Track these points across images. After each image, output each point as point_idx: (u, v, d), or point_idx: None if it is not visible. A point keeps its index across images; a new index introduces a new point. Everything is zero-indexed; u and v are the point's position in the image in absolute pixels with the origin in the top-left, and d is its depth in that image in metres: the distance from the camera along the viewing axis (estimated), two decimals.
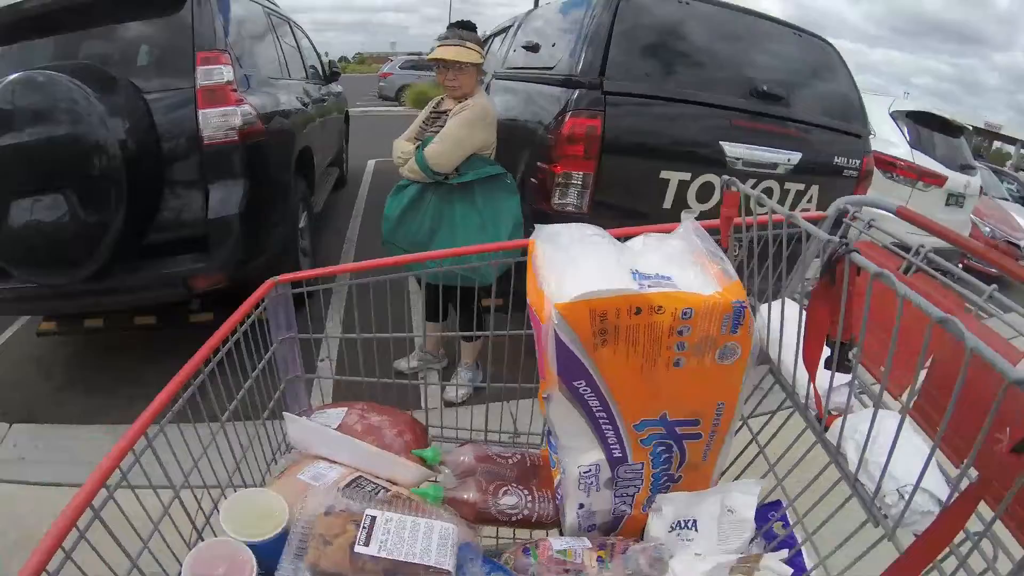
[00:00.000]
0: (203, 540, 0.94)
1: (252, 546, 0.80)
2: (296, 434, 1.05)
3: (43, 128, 2.27)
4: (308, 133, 4.06)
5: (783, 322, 0.98)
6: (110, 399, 2.81)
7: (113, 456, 0.77)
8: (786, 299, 1.05)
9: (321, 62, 6.06)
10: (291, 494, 0.90)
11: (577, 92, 2.74)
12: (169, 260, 2.70)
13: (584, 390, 0.83)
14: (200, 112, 2.57)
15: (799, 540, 0.97)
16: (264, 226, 2.95)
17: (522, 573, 0.88)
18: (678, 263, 0.88)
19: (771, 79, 3.03)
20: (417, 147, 2.50)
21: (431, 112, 2.71)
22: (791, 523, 1.01)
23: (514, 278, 1.34)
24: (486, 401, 1.55)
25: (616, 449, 0.90)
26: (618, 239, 0.99)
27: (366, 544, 0.75)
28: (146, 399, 2.66)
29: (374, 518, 0.79)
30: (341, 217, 5.93)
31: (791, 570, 0.84)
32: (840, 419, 0.82)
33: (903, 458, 0.71)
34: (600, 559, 0.91)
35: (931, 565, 0.67)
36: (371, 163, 8.61)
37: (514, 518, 1.02)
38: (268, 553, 0.80)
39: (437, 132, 2.50)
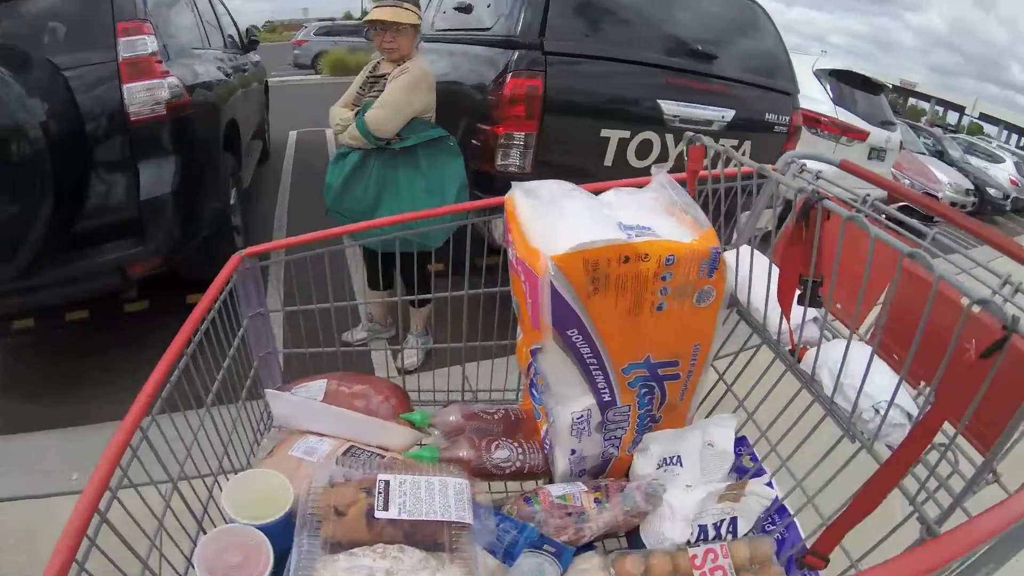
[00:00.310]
0: (205, 531, 0.93)
1: (261, 529, 0.79)
2: (282, 410, 1.04)
3: None
4: (233, 105, 3.87)
5: (752, 267, 1.05)
6: (54, 403, 2.64)
7: (111, 455, 0.75)
8: (748, 246, 1.11)
9: (238, 30, 5.78)
10: (286, 472, 0.90)
11: (517, 53, 2.73)
12: (102, 248, 2.52)
13: (577, 338, 0.87)
14: (125, 87, 2.39)
15: (768, 472, 1.05)
16: (198, 204, 2.81)
17: (529, 520, 0.91)
18: (655, 214, 0.93)
19: (704, 39, 3.10)
20: (356, 113, 2.43)
21: (368, 76, 2.62)
22: (759, 457, 1.09)
23: (452, 244, 1.37)
24: (446, 365, 1.56)
25: (606, 393, 0.94)
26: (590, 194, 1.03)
27: (385, 508, 0.76)
28: (95, 398, 2.55)
29: (387, 482, 0.80)
30: (268, 192, 5.72)
31: (775, 492, 0.91)
32: (810, 351, 0.89)
33: (875, 379, 0.77)
34: (598, 500, 0.96)
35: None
36: (293, 134, 8.31)
37: (507, 471, 1.05)
38: (276, 534, 0.80)
39: (376, 97, 2.43)
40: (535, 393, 1.10)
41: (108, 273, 2.57)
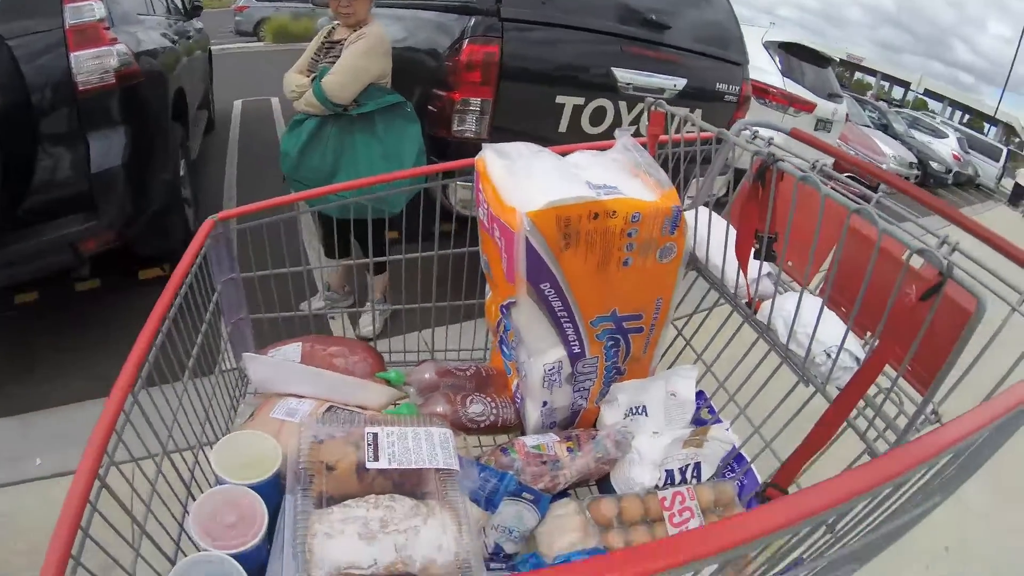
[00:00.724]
0: (195, 499, 0.94)
1: (252, 488, 0.80)
2: (260, 374, 1.06)
3: None
4: (179, 74, 3.75)
5: (710, 227, 1.10)
6: (8, 389, 2.52)
7: (99, 437, 0.74)
8: (705, 207, 1.17)
9: None
10: (269, 434, 0.91)
11: (474, 19, 2.72)
12: (52, 225, 2.42)
13: (549, 292, 0.92)
14: (72, 55, 2.29)
15: (727, 421, 1.12)
16: (149, 176, 2.73)
17: (507, 469, 0.96)
18: (620, 174, 0.98)
19: (658, 9, 3.15)
20: (313, 79, 2.42)
21: (323, 42, 2.60)
22: (717, 409, 1.16)
23: (406, 213, 1.38)
24: (414, 329, 1.59)
25: (576, 345, 0.99)
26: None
27: (375, 459, 0.80)
28: (51, 381, 2.49)
29: (375, 434, 0.83)
30: (216, 162, 5.57)
31: (736, 436, 0.98)
32: (765, 304, 0.95)
33: (825, 328, 0.84)
34: (570, 449, 1.01)
35: (856, 413, 0.81)
36: (238, 103, 8.09)
37: (482, 425, 1.10)
38: (266, 493, 0.81)
39: (332, 63, 2.43)
40: (505, 349, 1.14)
41: (60, 251, 2.47)
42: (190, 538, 0.78)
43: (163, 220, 3.02)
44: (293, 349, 1.13)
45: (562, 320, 0.96)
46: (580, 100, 2.95)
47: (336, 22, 2.60)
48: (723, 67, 3.44)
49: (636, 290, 0.98)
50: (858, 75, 37.65)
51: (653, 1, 3.14)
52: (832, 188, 1.02)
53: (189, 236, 3.06)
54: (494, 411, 1.11)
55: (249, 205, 1.16)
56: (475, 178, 1.06)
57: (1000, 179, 14.72)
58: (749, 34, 5.50)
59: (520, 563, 0.94)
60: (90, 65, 2.36)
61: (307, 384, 1.02)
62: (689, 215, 1.19)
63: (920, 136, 12.89)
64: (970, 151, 14.28)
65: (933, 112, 23.99)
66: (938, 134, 13.60)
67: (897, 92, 35.28)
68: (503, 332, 1.12)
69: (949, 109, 32.45)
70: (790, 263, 1.09)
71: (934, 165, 11.64)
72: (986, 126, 28.92)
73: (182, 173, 3.46)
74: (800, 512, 0.50)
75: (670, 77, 3.14)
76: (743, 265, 0.96)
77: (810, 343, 0.85)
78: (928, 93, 34.55)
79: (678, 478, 1.05)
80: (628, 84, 3.02)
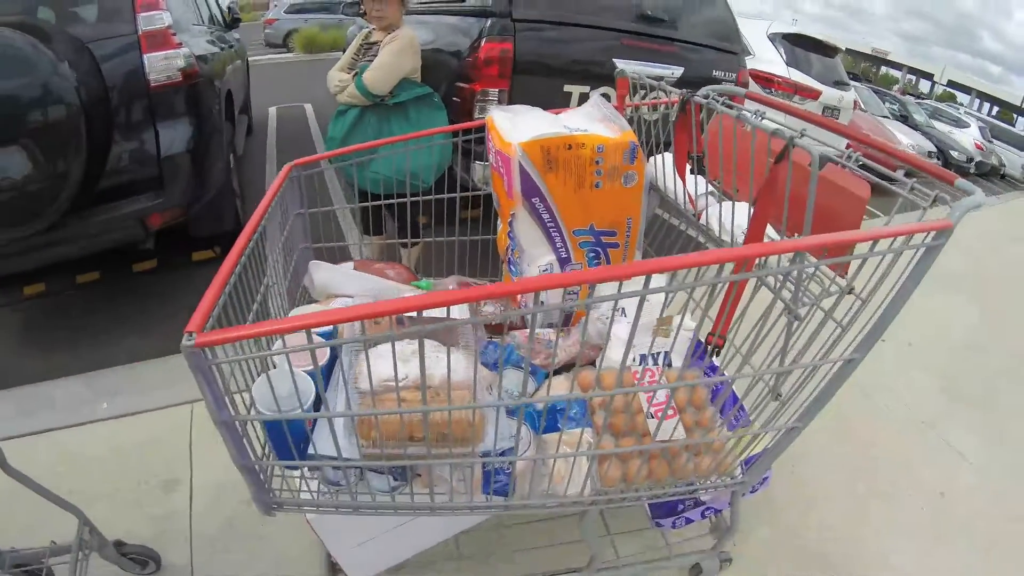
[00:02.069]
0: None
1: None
2: (322, 277, 1.39)
3: None
4: (227, 78, 4.18)
5: (665, 164, 1.42)
6: (73, 353, 2.92)
7: (211, 296, 0.90)
8: (668, 153, 1.49)
9: (220, 9, 6.01)
10: None
11: (490, 21, 3.13)
12: (124, 202, 2.85)
13: (539, 205, 1.24)
14: (145, 56, 2.72)
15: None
16: (209, 163, 3.15)
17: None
18: (590, 120, 1.30)
19: (655, 4, 3.49)
20: (355, 75, 2.79)
21: (362, 44, 2.98)
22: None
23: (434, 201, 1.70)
24: None
25: (563, 251, 1.31)
26: None
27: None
28: (110, 344, 2.91)
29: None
30: (256, 162, 6.03)
31: (693, 323, 1.28)
32: (703, 213, 1.26)
33: (742, 220, 1.15)
34: (559, 335, 1.33)
35: (780, 286, 1.11)
36: (272, 110, 8.55)
37: (492, 323, 1.42)
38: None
39: (370, 62, 2.81)
40: (512, 268, 1.46)
41: (130, 224, 2.89)
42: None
43: (218, 205, 3.42)
44: (348, 264, 1.46)
45: (551, 229, 1.28)
46: (586, 88, 3.30)
47: (372, 27, 2.97)
48: (720, 56, 3.75)
49: (608, 209, 1.30)
50: (884, 69, 37.27)
51: None
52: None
53: (239, 222, 3.46)
54: (502, 312, 1.42)
55: (317, 155, 1.49)
56: (486, 131, 1.39)
57: None
58: (754, 27, 5.80)
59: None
60: (160, 65, 2.76)
61: (358, 285, 1.35)
62: (658, 158, 1.52)
63: (941, 126, 12.89)
64: (994, 141, 14.20)
65: (960, 104, 23.78)
66: (960, 124, 13.58)
67: (925, 86, 34.78)
68: (510, 253, 1.44)
69: (977, 101, 31.86)
70: (717, 182, 1.40)
71: (954, 154, 11.64)
72: (1016, 117, 28.44)
73: (231, 166, 3.86)
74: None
75: (668, 66, 3.46)
76: (680, 174, 1.28)
77: (732, 230, 1.16)
78: (952, 84, 33.95)
79: (650, 362, 1.34)
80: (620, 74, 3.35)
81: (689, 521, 1.67)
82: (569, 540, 1.76)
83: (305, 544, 1.86)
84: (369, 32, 3.00)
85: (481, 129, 1.48)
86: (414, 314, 1.12)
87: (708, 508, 1.66)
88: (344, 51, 3.08)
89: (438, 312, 1.14)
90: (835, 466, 2.34)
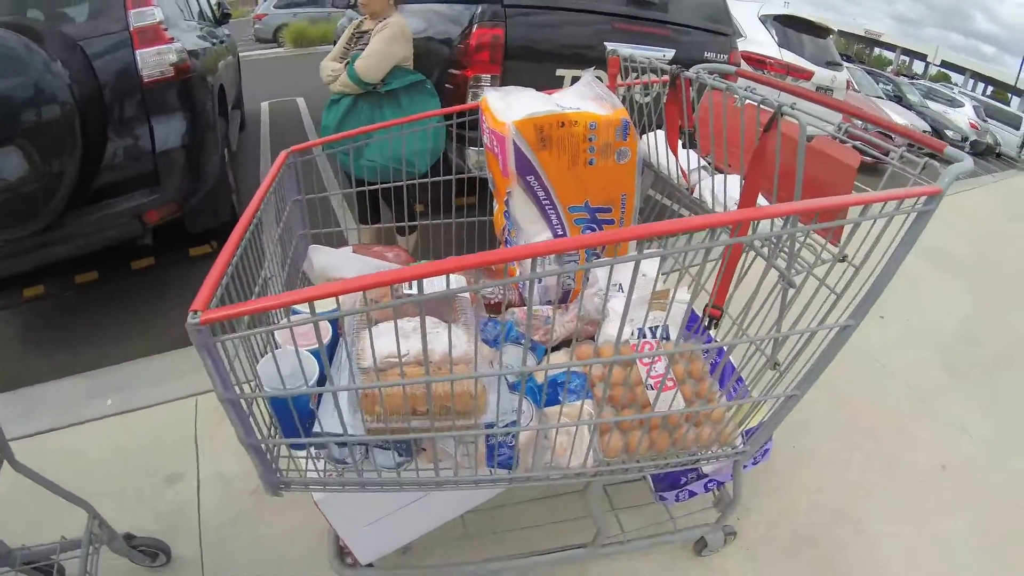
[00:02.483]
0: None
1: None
2: (322, 261, 1.40)
3: None
4: (219, 73, 4.18)
5: (658, 141, 1.43)
6: (75, 352, 2.95)
7: (214, 276, 0.91)
8: (660, 131, 1.50)
9: (210, 5, 5.99)
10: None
11: (481, 7, 3.13)
12: (120, 199, 2.86)
13: (534, 183, 1.25)
14: (137, 52, 2.71)
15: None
16: (204, 158, 3.15)
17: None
18: (583, 99, 1.32)
19: None
20: (347, 64, 2.81)
21: (353, 33, 2.99)
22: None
23: (431, 186, 1.72)
24: None
25: (559, 228, 1.33)
26: None
27: (409, 287, 1.14)
28: (112, 342, 2.92)
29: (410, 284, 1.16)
30: (250, 156, 6.03)
31: (689, 296, 1.30)
32: (697, 187, 1.28)
33: (733, 192, 1.16)
34: (557, 312, 1.34)
35: (774, 254, 1.13)
36: (264, 105, 8.54)
37: (491, 302, 1.43)
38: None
39: (362, 50, 2.79)
40: (509, 241, 1.47)
41: (128, 221, 2.89)
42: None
43: (214, 199, 3.42)
44: (347, 248, 1.48)
45: (546, 207, 1.29)
46: (578, 72, 3.29)
47: (363, 16, 2.99)
48: (711, 38, 3.76)
49: (603, 186, 1.31)
50: (877, 51, 37.21)
51: None
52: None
53: (235, 216, 3.44)
54: (501, 292, 1.44)
55: (313, 142, 1.50)
56: (479, 113, 1.40)
57: (1022, 148, 14.59)
58: (745, 9, 5.79)
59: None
60: (152, 60, 2.76)
61: (357, 268, 1.37)
62: (651, 136, 1.53)
63: (935, 106, 12.90)
64: (988, 120, 14.21)
65: (954, 84, 23.76)
66: (954, 103, 13.58)
67: (918, 67, 34.76)
68: (507, 234, 1.45)
69: (971, 81, 31.85)
70: (709, 158, 1.41)
71: (949, 133, 11.66)
72: (1011, 97, 28.45)
73: (227, 161, 3.86)
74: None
75: (659, 48, 3.47)
76: (672, 148, 1.29)
77: (725, 201, 1.18)
78: (946, 65, 33.94)
79: (648, 336, 1.36)
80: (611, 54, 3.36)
81: (692, 494, 1.69)
82: (574, 517, 1.79)
83: (313, 532, 1.88)
84: (360, 21, 3.02)
85: (473, 113, 1.49)
86: (414, 290, 1.14)
87: (711, 480, 1.68)
88: (335, 42, 3.09)
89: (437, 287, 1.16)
90: (836, 441, 2.36)
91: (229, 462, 2.15)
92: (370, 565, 1.58)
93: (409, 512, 1.43)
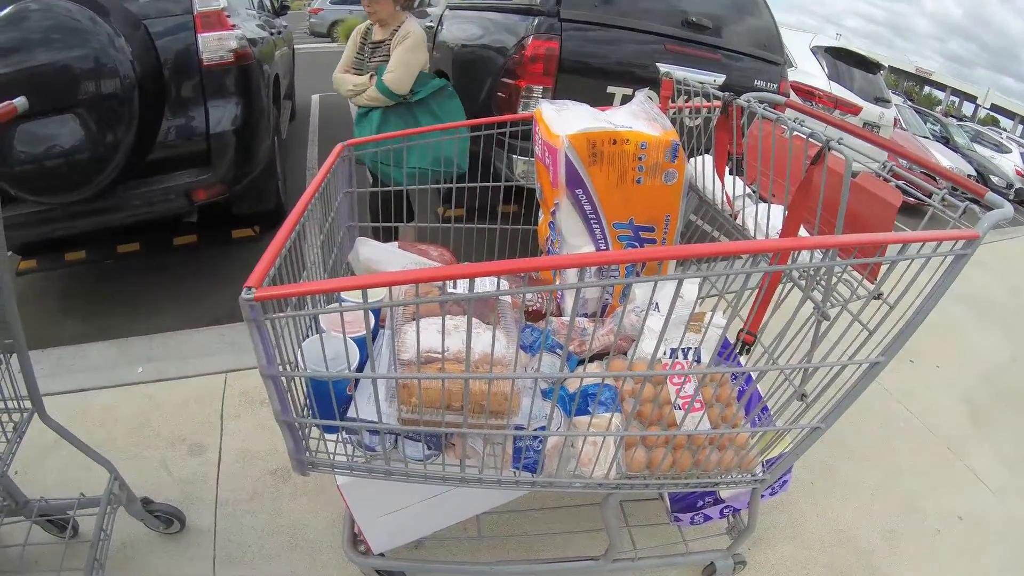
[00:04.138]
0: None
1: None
2: (368, 254, 1.45)
3: (54, 51, 2.44)
4: (275, 63, 4.28)
5: (706, 167, 1.45)
6: (109, 319, 3.04)
7: (270, 255, 0.93)
8: (708, 155, 1.52)
9: None
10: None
11: (537, 19, 3.19)
12: (171, 175, 2.96)
13: (582, 197, 1.28)
14: (199, 36, 2.81)
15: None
16: (255, 143, 3.23)
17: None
18: (636, 118, 1.34)
19: (700, 12, 3.52)
20: (372, 76, 2.83)
21: (365, 43, 2.98)
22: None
23: (468, 192, 1.75)
24: None
25: (602, 243, 1.35)
26: None
27: (454, 286, 1.17)
28: (147, 313, 3.02)
29: (455, 283, 1.20)
30: (299, 146, 6.16)
31: (724, 320, 1.31)
32: (740, 213, 1.29)
33: (776, 221, 1.18)
34: (594, 325, 1.36)
35: (810, 286, 1.14)
36: (315, 97, 8.72)
37: (529, 308, 1.46)
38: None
39: (381, 62, 2.83)
40: (551, 251, 1.50)
41: (176, 197, 2.98)
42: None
43: (261, 184, 3.51)
44: (392, 244, 1.52)
45: (592, 221, 1.32)
46: (628, 91, 3.33)
47: (367, 24, 2.99)
48: (762, 66, 3.75)
49: (648, 205, 1.34)
50: (927, 89, 36.62)
51: (697, 5, 3.49)
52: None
53: (280, 203, 3.52)
54: (540, 300, 1.47)
55: (367, 137, 1.55)
56: (533, 123, 1.43)
57: None
58: (797, 39, 5.77)
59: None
60: (214, 45, 2.85)
61: (402, 263, 1.41)
62: (698, 160, 1.55)
63: (982, 150, 12.67)
64: None
65: (1003, 129, 23.25)
66: (1002, 149, 13.32)
67: (968, 108, 34.09)
68: (550, 244, 1.48)
69: (1021, 127, 31.13)
70: (754, 187, 1.43)
71: (994, 179, 11.44)
72: None
73: (276, 148, 3.95)
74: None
75: (710, 73, 3.47)
76: (719, 173, 1.31)
77: (767, 228, 1.19)
78: (995, 108, 33.20)
79: (680, 356, 1.38)
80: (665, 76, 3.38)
81: (707, 518, 1.70)
82: (587, 529, 1.80)
83: (328, 515, 1.92)
84: (368, 29, 3.01)
85: (521, 123, 1.53)
86: (459, 289, 1.17)
87: (727, 506, 1.68)
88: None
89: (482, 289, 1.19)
90: (855, 480, 2.34)
91: (253, 440, 2.20)
92: (382, 555, 1.61)
93: (428, 507, 1.45)
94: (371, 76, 2.85)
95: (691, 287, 1.44)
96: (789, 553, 2.00)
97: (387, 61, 2.81)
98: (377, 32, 2.93)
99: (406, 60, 2.76)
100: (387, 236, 1.86)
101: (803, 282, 1.16)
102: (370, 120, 2.92)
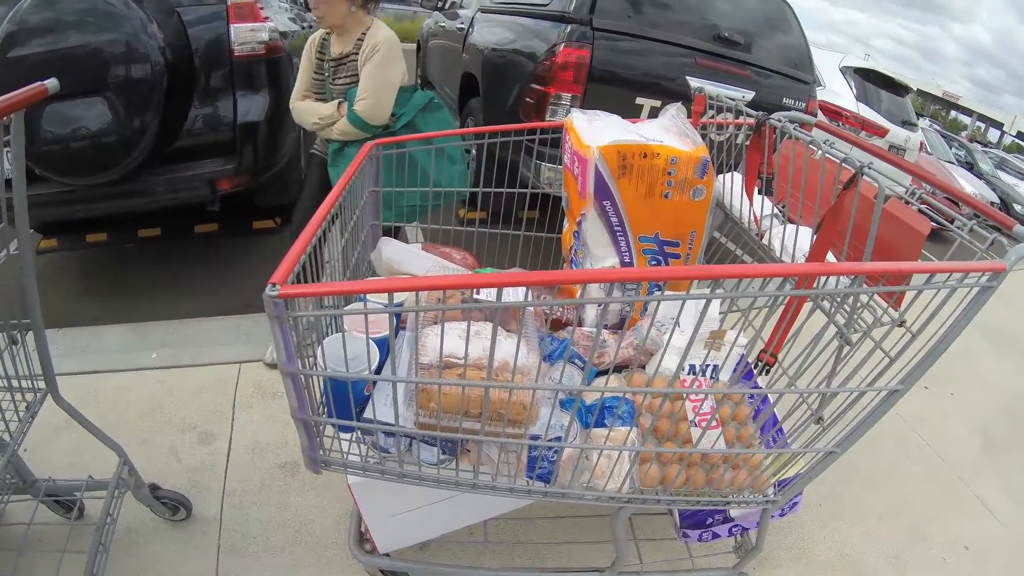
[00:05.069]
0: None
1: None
2: (391, 254, 1.45)
3: (87, 34, 2.46)
4: None
5: (734, 184, 1.44)
6: (127, 302, 3.06)
7: (295, 252, 0.92)
8: (737, 173, 1.51)
9: None
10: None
11: (570, 27, 3.19)
12: (196, 163, 2.97)
13: (609, 208, 1.28)
14: (232, 26, 2.83)
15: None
16: (281, 135, 3.24)
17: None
18: (667, 132, 1.34)
19: (732, 27, 3.52)
20: (341, 104, 2.31)
21: (324, 59, 2.40)
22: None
23: (494, 196, 1.73)
24: None
25: (627, 255, 1.35)
26: None
27: (478, 292, 1.17)
28: (164, 299, 3.04)
29: (478, 290, 1.20)
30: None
31: (746, 340, 1.31)
32: (767, 233, 1.29)
33: (803, 243, 1.17)
34: (615, 337, 1.36)
35: (835, 310, 1.13)
36: None
37: (547, 317, 1.45)
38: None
39: (348, 83, 2.30)
40: (574, 267, 1.50)
41: (201, 185, 2.99)
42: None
43: (285, 177, 3.52)
44: (415, 245, 1.52)
45: (617, 233, 1.31)
46: (657, 103, 3.33)
47: (321, 33, 2.43)
48: (791, 84, 3.73)
49: (675, 220, 1.33)
50: (953, 114, 36.28)
51: (730, 21, 3.49)
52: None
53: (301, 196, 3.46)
54: (559, 310, 1.46)
55: (395, 137, 1.55)
56: (563, 131, 1.43)
57: None
58: (827, 58, 5.74)
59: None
60: (245, 36, 2.86)
61: (424, 264, 1.41)
62: (726, 177, 1.54)
63: (1007, 177, 12.50)
64: None
65: None
66: None
67: (994, 135, 33.69)
68: (573, 254, 1.48)
69: None
70: (784, 205, 1.42)
71: (1017, 208, 11.27)
72: None
73: (301, 141, 3.97)
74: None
75: (740, 89, 3.46)
76: (749, 193, 1.31)
77: (793, 250, 1.19)
78: (1022, 136, 32.82)
79: (698, 372, 1.37)
80: (700, 92, 3.37)
81: (716, 536, 1.68)
82: (593, 540, 1.79)
83: (335, 512, 1.93)
84: (325, 39, 2.42)
85: (548, 131, 1.53)
86: (483, 295, 1.17)
87: (736, 525, 1.67)
88: (318, 64, 2.45)
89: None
90: (864, 505, 2.32)
91: (263, 432, 2.21)
92: (387, 555, 1.61)
93: (437, 510, 1.45)
94: (339, 104, 2.31)
95: (714, 304, 1.43)
96: (795, 575, 1.98)
97: (355, 82, 2.27)
98: (336, 43, 2.36)
99: (380, 82, 2.21)
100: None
101: (827, 305, 1.15)
102: (348, 157, 2.33)
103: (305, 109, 2.40)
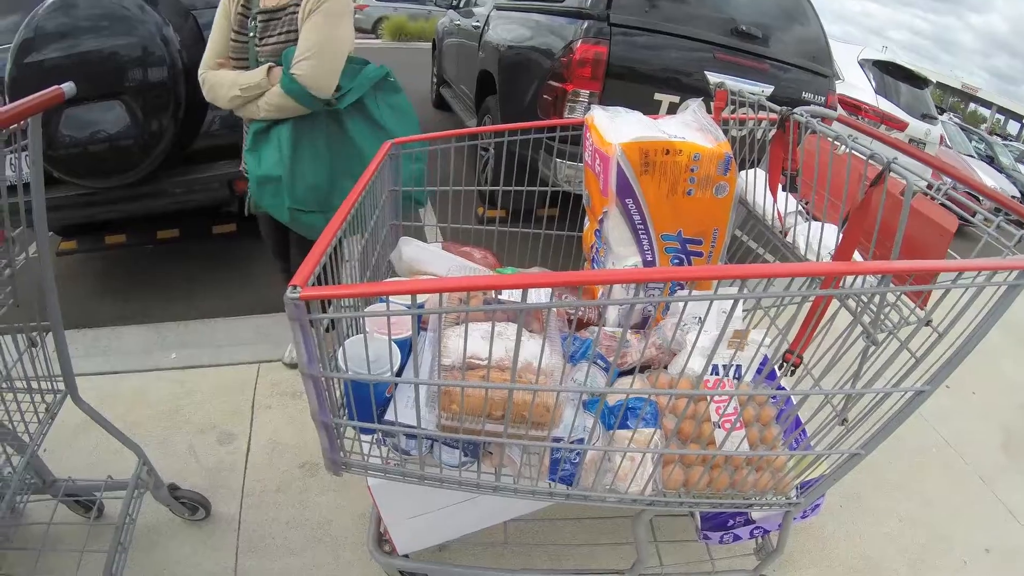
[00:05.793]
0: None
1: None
2: (412, 253, 1.44)
3: (103, 38, 2.47)
4: None
5: (756, 181, 1.42)
6: (145, 303, 3.09)
7: (316, 254, 0.92)
8: (761, 169, 1.49)
9: None
10: None
11: (587, 23, 3.17)
12: (214, 165, 2.99)
13: (631, 206, 1.26)
14: None
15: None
16: None
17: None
18: (689, 128, 1.32)
19: (749, 20, 3.48)
20: (273, 70, 1.80)
21: (249, 12, 1.87)
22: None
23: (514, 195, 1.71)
24: None
25: (649, 254, 1.33)
26: None
27: (499, 293, 1.16)
28: (183, 299, 3.07)
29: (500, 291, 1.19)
30: None
31: (769, 340, 1.29)
32: (791, 230, 1.26)
33: (828, 241, 1.15)
34: (636, 337, 1.34)
35: (861, 310, 1.11)
36: None
37: (570, 317, 1.44)
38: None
39: (280, 44, 1.80)
40: (596, 265, 1.49)
41: (219, 187, 3.01)
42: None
43: None
44: (435, 245, 1.51)
45: (639, 231, 1.30)
46: (676, 98, 3.30)
47: None
48: (810, 78, 3.69)
49: (697, 218, 1.31)
50: (972, 106, 35.80)
51: (748, 15, 3.45)
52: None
53: None
54: (581, 310, 1.45)
55: (417, 136, 1.54)
56: (584, 128, 1.42)
57: None
58: (845, 51, 5.67)
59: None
60: None
61: (444, 264, 1.40)
62: (750, 173, 1.52)
63: None
64: None
65: None
66: None
67: (1013, 127, 33.23)
68: (595, 252, 1.46)
69: None
70: (808, 202, 1.40)
71: None
72: None
73: None
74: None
75: (759, 83, 3.43)
76: (772, 190, 1.29)
77: (819, 248, 1.16)
78: None
79: (721, 372, 1.35)
80: (719, 87, 3.34)
81: (737, 538, 1.66)
82: (613, 542, 1.78)
83: (353, 512, 1.93)
84: None
85: (567, 128, 1.52)
86: (504, 295, 1.16)
87: (757, 527, 1.65)
88: (235, 36, 1.93)
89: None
90: (885, 507, 2.28)
91: (283, 432, 2.22)
92: (406, 556, 1.60)
93: (456, 511, 1.44)
94: (268, 69, 1.80)
95: (737, 304, 1.41)
96: (811, 572, 1.96)
97: (293, 40, 1.78)
98: None
99: (327, 37, 1.73)
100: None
101: (853, 305, 1.13)
102: (274, 141, 1.88)
103: (220, 78, 1.87)
